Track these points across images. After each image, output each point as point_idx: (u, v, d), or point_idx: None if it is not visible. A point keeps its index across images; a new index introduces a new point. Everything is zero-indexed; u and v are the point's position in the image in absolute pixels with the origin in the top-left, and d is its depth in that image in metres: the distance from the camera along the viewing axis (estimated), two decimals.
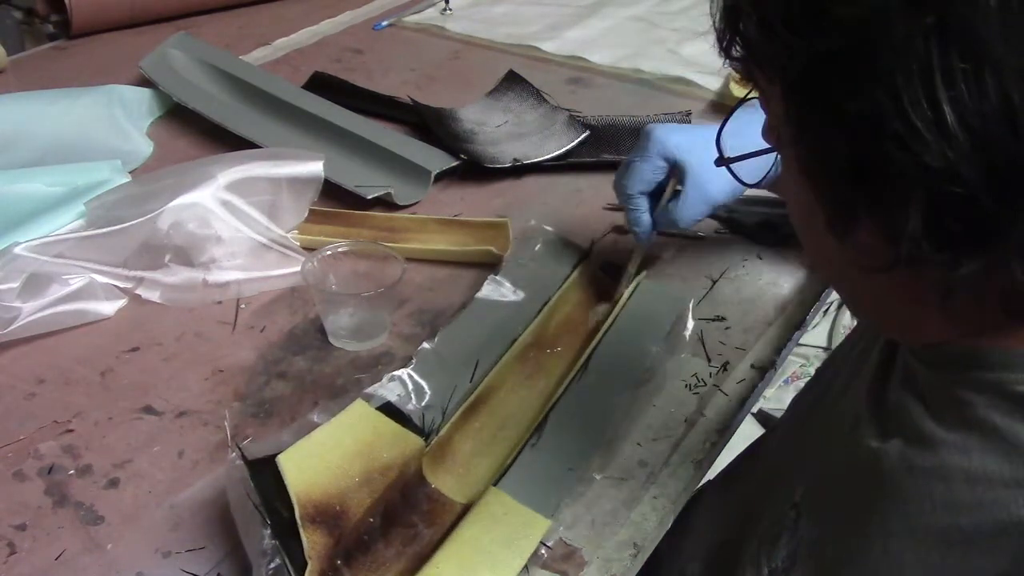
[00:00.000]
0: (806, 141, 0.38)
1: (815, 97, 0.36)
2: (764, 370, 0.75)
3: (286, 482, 0.57)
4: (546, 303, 0.79)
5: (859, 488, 0.45)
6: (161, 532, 0.61)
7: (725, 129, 0.54)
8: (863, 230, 0.38)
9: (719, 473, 0.78)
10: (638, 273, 0.81)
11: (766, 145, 0.48)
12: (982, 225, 0.34)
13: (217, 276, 0.82)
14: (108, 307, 0.81)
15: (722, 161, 0.55)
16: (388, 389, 0.67)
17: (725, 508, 0.68)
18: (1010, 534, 0.37)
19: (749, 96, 0.46)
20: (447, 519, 0.60)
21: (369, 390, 0.67)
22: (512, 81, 1.18)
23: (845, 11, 0.33)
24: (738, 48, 0.40)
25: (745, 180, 0.55)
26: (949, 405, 0.41)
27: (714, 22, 0.41)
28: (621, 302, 0.78)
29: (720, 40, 0.40)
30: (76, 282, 0.79)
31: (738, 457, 0.78)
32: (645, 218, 0.77)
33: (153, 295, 0.82)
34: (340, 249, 0.79)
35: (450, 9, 1.45)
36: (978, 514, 0.38)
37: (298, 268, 0.82)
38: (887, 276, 0.39)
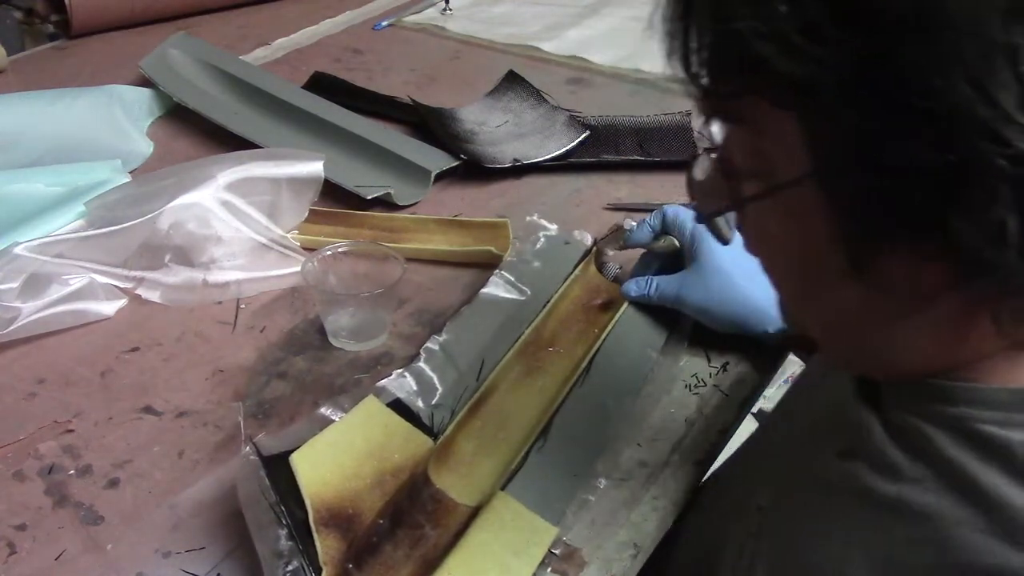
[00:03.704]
0: (844, 165, 0.34)
1: (866, 104, 0.32)
2: (764, 370, 0.75)
3: (299, 484, 0.57)
4: (548, 300, 0.79)
5: (819, 505, 0.44)
6: (161, 532, 0.61)
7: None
8: (896, 262, 0.35)
9: (713, 472, 0.78)
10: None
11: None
12: None
13: (217, 276, 0.82)
14: (108, 307, 0.81)
15: (703, 217, 0.52)
16: (397, 385, 0.67)
17: (712, 510, 0.67)
18: None
19: (712, 148, 0.42)
20: (452, 521, 0.60)
21: (381, 383, 0.67)
22: (512, 81, 1.18)
23: None
24: (733, 77, 0.36)
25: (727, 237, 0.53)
26: (911, 435, 0.40)
27: (682, 62, 0.37)
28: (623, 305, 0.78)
29: (694, 78, 0.37)
30: (76, 282, 0.79)
31: (731, 456, 0.78)
32: (643, 237, 0.77)
33: (153, 295, 0.82)
34: (340, 249, 0.79)
35: (450, 9, 1.45)
36: (934, 553, 0.37)
37: (298, 268, 0.82)
38: (906, 309, 0.37)
